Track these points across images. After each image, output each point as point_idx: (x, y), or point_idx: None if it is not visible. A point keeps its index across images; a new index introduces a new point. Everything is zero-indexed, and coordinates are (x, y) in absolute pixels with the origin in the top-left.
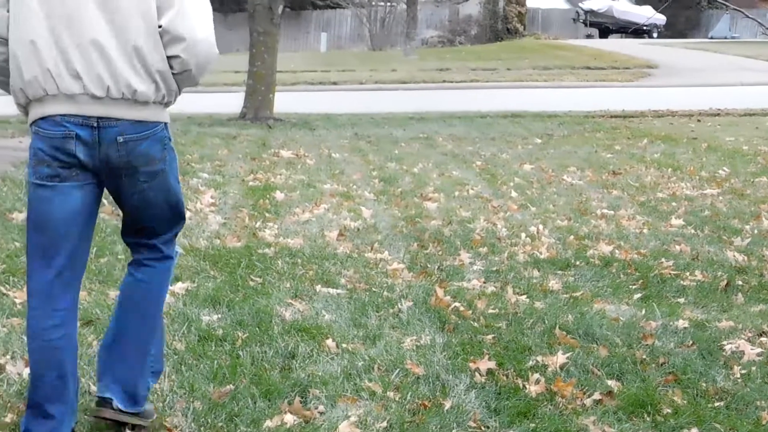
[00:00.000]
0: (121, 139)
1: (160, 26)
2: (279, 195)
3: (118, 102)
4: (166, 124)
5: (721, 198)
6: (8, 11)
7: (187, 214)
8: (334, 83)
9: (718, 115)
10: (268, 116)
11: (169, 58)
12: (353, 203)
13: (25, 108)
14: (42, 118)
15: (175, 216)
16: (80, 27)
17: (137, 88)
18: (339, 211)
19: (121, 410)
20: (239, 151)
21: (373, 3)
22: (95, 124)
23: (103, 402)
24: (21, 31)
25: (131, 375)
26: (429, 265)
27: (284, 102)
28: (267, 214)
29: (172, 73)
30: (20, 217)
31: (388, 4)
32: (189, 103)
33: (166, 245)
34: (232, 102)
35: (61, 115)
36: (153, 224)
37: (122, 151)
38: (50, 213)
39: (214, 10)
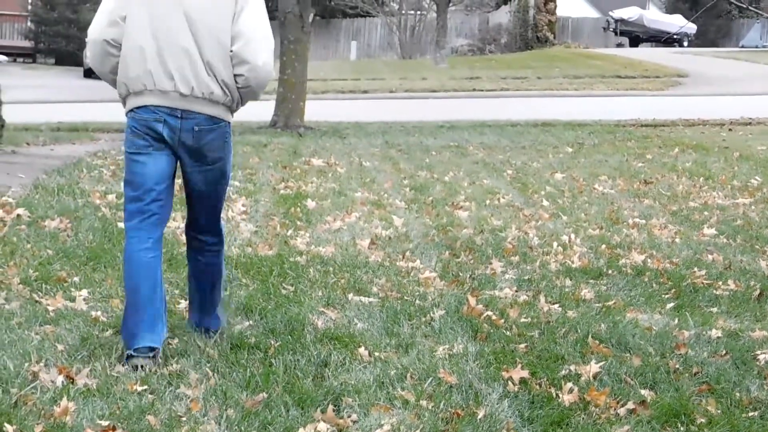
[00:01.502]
0: (197, 128)
1: (231, 50)
2: (310, 203)
3: (198, 99)
4: (228, 123)
5: (753, 207)
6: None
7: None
8: (365, 91)
9: (750, 124)
10: (298, 124)
11: (235, 75)
12: (384, 212)
13: (124, 99)
14: (140, 107)
15: (220, 204)
16: (177, 39)
17: (213, 90)
18: (370, 220)
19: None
20: (270, 159)
21: (403, 11)
22: (179, 115)
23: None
24: (133, 39)
25: (206, 317)
26: (461, 274)
27: (315, 110)
28: (298, 223)
29: (237, 87)
30: (52, 224)
31: (418, 12)
32: None
33: (217, 237)
34: (263, 110)
35: (155, 105)
36: (210, 202)
37: (196, 137)
38: (146, 173)
39: None
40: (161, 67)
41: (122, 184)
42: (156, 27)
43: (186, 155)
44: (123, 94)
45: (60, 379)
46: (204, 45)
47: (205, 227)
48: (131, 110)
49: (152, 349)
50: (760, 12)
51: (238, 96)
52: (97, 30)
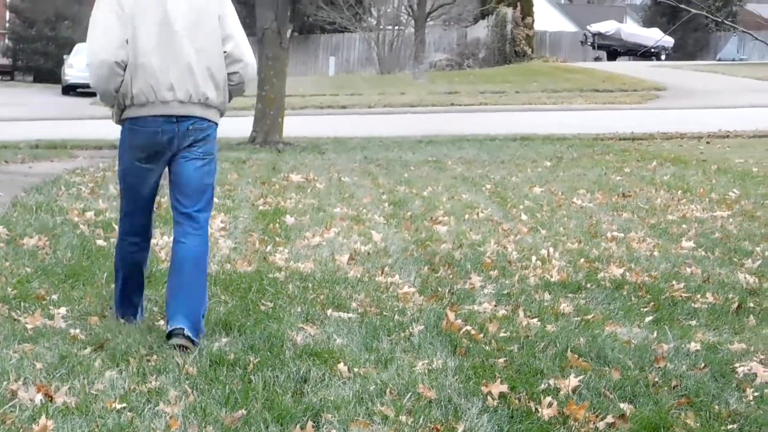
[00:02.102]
0: (191, 127)
1: (225, 52)
2: (289, 219)
3: (194, 104)
4: (217, 125)
5: (731, 220)
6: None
7: None
8: (343, 107)
9: (728, 137)
10: (277, 140)
11: (229, 74)
12: (363, 227)
13: (122, 110)
14: (138, 118)
15: (210, 195)
16: (179, 55)
17: (209, 95)
18: (349, 235)
19: (190, 338)
20: (249, 175)
21: (382, 27)
22: (176, 120)
23: (177, 330)
24: (136, 58)
25: (193, 312)
26: (440, 289)
27: (294, 126)
28: (277, 239)
29: (229, 84)
30: (31, 242)
31: (397, 27)
32: None
33: (204, 221)
34: (242, 126)
35: (153, 116)
36: (197, 195)
37: (191, 134)
38: (142, 186)
39: None
40: (163, 81)
41: (100, 201)
42: (155, 43)
43: (180, 155)
44: (121, 105)
45: (39, 398)
46: (204, 54)
47: (193, 215)
48: (129, 119)
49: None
50: (736, 26)
51: (228, 95)
52: (106, 52)
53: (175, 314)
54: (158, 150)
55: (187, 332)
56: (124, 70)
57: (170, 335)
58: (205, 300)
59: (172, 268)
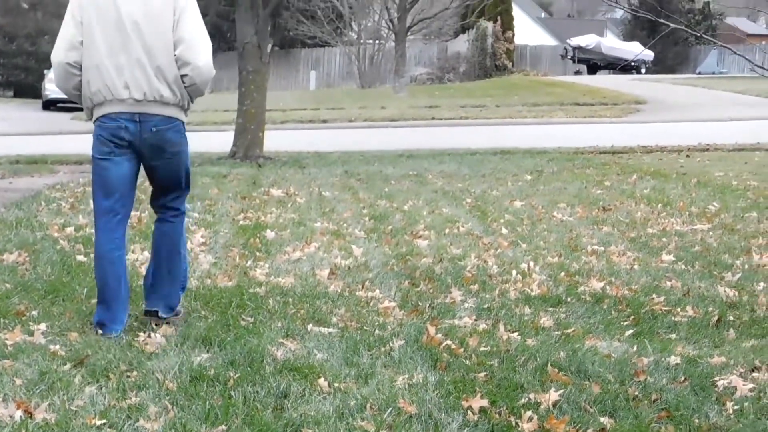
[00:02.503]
0: (155, 128)
1: (175, 55)
2: (270, 234)
3: (152, 103)
4: (183, 122)
5: (711, 233)
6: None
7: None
8: (324, 121)
9: (707, 150)
10: (258, 155)
11: (181, 75)
12: (344, 241)
13: (90, 110)
14: (103, 116)
15: (186, 183)
16: (128, 53)
17: (163, 93)
18: (330, 250)
19: (163, 317)
20: (229, 190)
21: (362, 41)
22: (138, 119)
23: (151, 313)
24: (90, 59)
25: (169, 293)
26: (420, 303)
27: (274, 140)
28: (258, 253)
29: (184, 86)
30: (11, 258)
31: (377, 41)
32: None
33: (180, 204)
34: (222, 140)
35: (115, 113)
36: (172, 185)
37: (155, 136)
38: (108, 177)
39: None
40: (118, 80)
41: (80, 216)
42: (110, 45)
43: (148, 152)
44: (89, 107)
45: (18, 414)
46: (152, 54)
47: (168, 204)
48: (97, 119)
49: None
50: (715, 41)
51: (186, 95)
52: (59, 54)
53: (150, 296)
54: (122, 145)
55: (161, 314)
56: (79, 69)
57: (146, 313)
58: (179, 280)
59: (152, 252)
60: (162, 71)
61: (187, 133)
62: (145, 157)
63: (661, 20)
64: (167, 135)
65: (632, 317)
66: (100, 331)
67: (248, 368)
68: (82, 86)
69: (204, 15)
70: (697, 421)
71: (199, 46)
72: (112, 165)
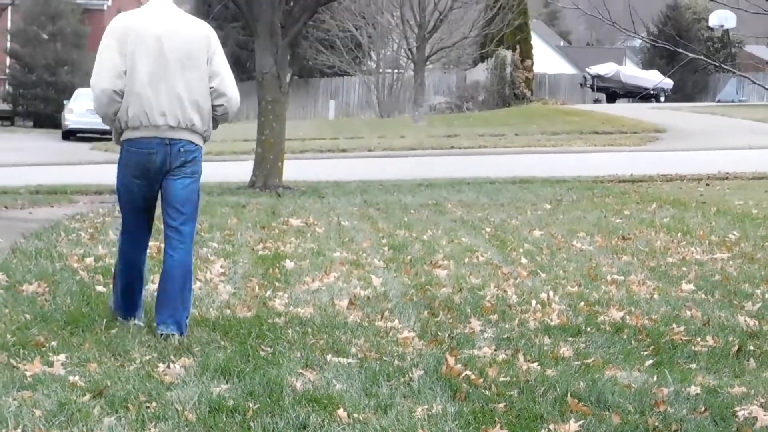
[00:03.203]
0: (182, 149)
1: (211, 87)
2: (289, 264)
3: (183, 129)
4: (202, 148)
5: (731, 262)
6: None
7: (197, 285)
8: (343, 150)
9: (727, 178)
10: (277, 184)
11: (215, 105)
12: (363, 271)
13: (121, 133)
14: (135, 139)
15: (195, 211)
16: (168, 84)
17: (195, 122)
18: (349, 280)
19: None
20: (249, 219)
21: (381, 70)
22: (168, 142)
23: (167, 336)
24: (132, 86)
25: (179, 314)
26: (440, 333)
27: (293, 170)
28: (277, 283)
29: (214, 115)
30: (30, 289)
31: (396, 71)
32: None
33: (189, 235)
34: (242, 170)
35: (148, 137)
36: (186, 205)
37: (181, 155)
38: (135, 198)
39: None
40: (156, 108)
41: (100, 246)
42: (151, 75)
43: (172, 173)
44: (119, 128)
45: None
46: (192, 88)
47: (182, 233)
48: (127, 140)
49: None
50: (734, 70)
51: (211, 125)
52: (105, 82)
53: (163, 318)
54: (150, 168)
55: (173, 332)
56: (122, 96)
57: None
58: (189, 305)
59: (162, 277)
60: (197, 103)
61: (206, 163)
62: (169, 175)
63: (680, 50)
64: (191, 156)
65: (652, 347)
66: (129, 321)
67: (267, 399)
68: (119, 112)
69: (223, 45)
70: None
71: (230, 80)
72: (139, 186)
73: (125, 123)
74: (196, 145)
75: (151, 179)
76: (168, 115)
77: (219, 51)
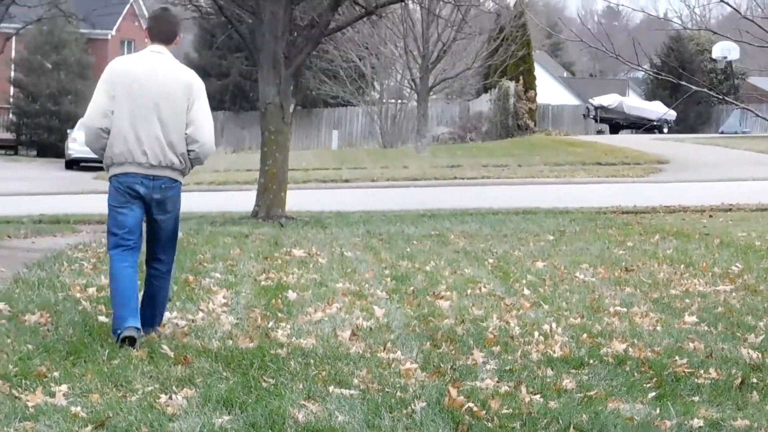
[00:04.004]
0: (163, 186)
1: (186, 133)
2: (291, 294)
3: (164, 168)
4: (181, 183)
5: (734, 294)
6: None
7: (200, 315)
8: (346, 180)
9: (730, 210)
10: (280, 214)
11: (188, 150)
12: (366, 302)
13: (109, 166)
14: (122, 173)
15: (174, 241)
16: (149, 129)
17: (173, 161)
18: (351, 311)
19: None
20: (252, 250)
21: (384, 100)
22: (152, 178)
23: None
24: (117, 127)
25: (156, 319)
26: (442, 365)
27: (296, 200)
28: (279, 314)
29: (189, 158)
30: (33, 319)
31: (399, 101)
32: (202, 201)
33: (168, 267)
34: (244, 200)
35: (132, 173)
36: (165, 238)
37: (163, 192)
38: (124, 220)
39: (227, 109)
40: (138, 148)
41: (102, 276)
42: (135, 119)
43: (154, 205)
44: (108, 164)
45: None
46: (168, 131)
47: (162, 259)
48: (115, 175)
49: (137, 328)
50: (736, 103)
51: (189, 163)
52: (93, 119)
53: (145, 321)
54: (134, 197)
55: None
56: (107, 133)
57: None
58: (163, 309)
59: (144, 296)
60: (173, 145)
61: (209, 193)
62: (151, 209)
63: (683, 82)
64: (171, 193)
65: (655, 379)
66: (120, 332)
67: (269, 430)
68: (107, 147)
69: (227, 75)
70: None
71: (205, 129)
72: (126, 211)
73: (111, 159)
74: (176, 181)
75: (134, 206)
76: (149, 155)
77: (200, 99)
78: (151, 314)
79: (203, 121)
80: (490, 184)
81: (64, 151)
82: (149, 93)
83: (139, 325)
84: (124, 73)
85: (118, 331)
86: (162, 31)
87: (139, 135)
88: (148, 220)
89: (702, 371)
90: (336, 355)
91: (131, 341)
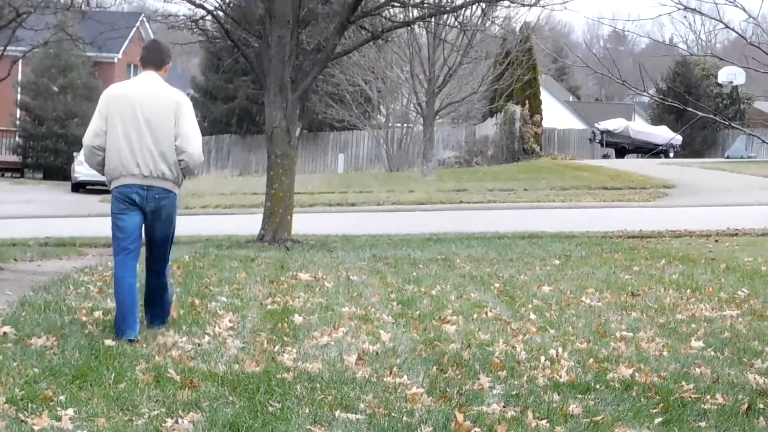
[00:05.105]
0: (157, 196)
1: (175, 144)
2: (298, 318)
3: (156, 178)
4: (176, 194)
5: (740, 319)
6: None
7: (206, 338)
8: (352, 204)
9: (736, 235)
10: (286, 238)
11: (178, 160)
12: (372, 326)
13: (110, 181)
14: (120, 185)
15: (169, 245)
16: (140, 141)
17: (164, 172)
18: (358, 335)
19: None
20: (258, 273)
21: (390, 124)
22: (145, 189)
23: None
24: (111, 144)
25: (161, 314)
26: (448, 390)
27: (302, 223)
28: (286, 338)
29: (180, 167)
30: (39, 342)
31: (405, 125)
32: (208, 224)
33: (164, 270)
34: (251, 223)
35: (127, 184)
36: (162, 243)
37: (157, 202)
38: (124, 225)
39: (234, 132)
40: (132, 160)
41: (109, 300)
42: (126, 134)
43: (149, 214)
44: (108, 179)
45: None
46: (158, 143)
47: (158, 261)
48: (115, 187)
49: (131, 341)
50: (743, 129)
51: (180, 173)
52: (87, 139)
53: (149, 318)
54: (132, 204)
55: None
56: (101, 150)
57: (148, 326)
58: (166, 305)
59: (146, 294)
60: (165, 156)
61: (215, 216)
62: (147, 217)
63: (689, 108)
64: (164, 202)
65: (661, 404)
66: (122, 337)
67: None
68: (105, 163)
69: (233, 98)
70: None
71: (192, 140)
72: (126, 217)
73: (110, 174)
74: (169, 191)
75: (133, 213)
76: (141, 166)
77: (186, 114)
78: (151, 311)
79: (191, 133)
80: (496, 208)
81: (71, 174)
82: (140, 111)
83: (134, 336)
84: (119, 96)
85: (120, 336)
86: (152, 59)
87: (133, 148)
88: (146, 227)
89: (709, 396)
90: (342, 380)
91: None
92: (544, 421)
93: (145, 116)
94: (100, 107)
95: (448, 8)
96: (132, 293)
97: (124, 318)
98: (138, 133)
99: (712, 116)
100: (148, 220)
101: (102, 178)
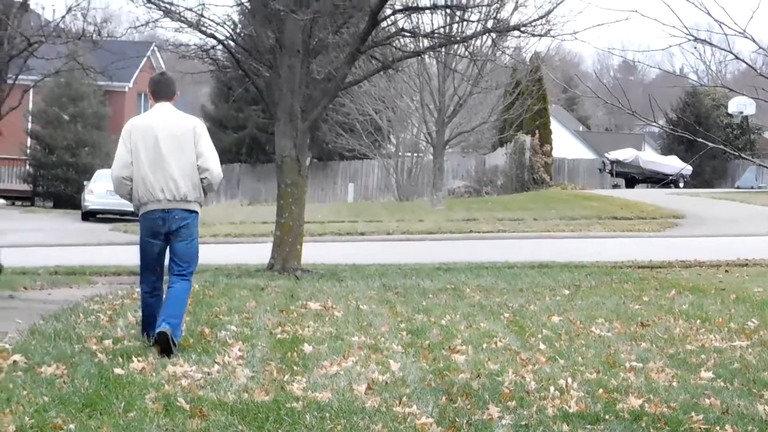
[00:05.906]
0: (178, 217)
1: (198, 165)
2: (307, 348)
3: (179, 201)
4: (197, 213)
5: (750, 350)
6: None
7: (216, 367)
8: (362, 233)
9: (746, 265)
10: (295, 267)
11: (201, 178)
12: (381, 356)
13: (138, 207)
14: (147, 212)
15: (195, 259)
16: (165, 170)
17: (187, 195)
18: (367, 364)
19: (173, 340)
20: (267, 302)
21: (400, 153)
22: (168, 211)
23: (164, 333)
24: (138, 173)
25: (173, 320)
26: (458, 420)
27: (312, 252)
28: (295, 368)
29: (202, 185)
30: (49, 371)
31: (415, 154)
32: (218, 253)
33: (189, 275)
34: (260, 252)
35: (152, 210)
36: (186, 258)
37: (178, 222)
38: (151, 250)
39: (243, 161)
40: (157, 187)
41: (119, 329)
42: (151, 164)
43: (172, 234)
44: (136, 205)
45: None
46: (181, 169)
47: (182, 269)
48: (142, 214)
49: (161, 334)
50: (753, 160)
51: (203, 194)
52: (115, 170)
53: (161, 320)
54: (158, 230)
55: (169, 333)
56: (130, 181)
57: (160, 334)
58: (181, 317)
59: (166, 297)
60: (190, 177)
61: (225, 245)
62: (169, 237)
63: (699, 138)
64: (184, 222)
65: None
66: (151, 332)
67: None
68: (133, 191)
69: (243, 127)
70: None
71: (211, 158)
72: (152, 239)
73: (138, 200)
74: (190, 212)
75: (159, 237)
76: (165, 192)
77: (203, 137)
78: (167, 316)
79: (209, 153)
80: (505, 237)
81: (81, 203)
82: (162, 140)
83: (165, 328)
84: (139, 128)
85: (146, 337)
86: (163, 91)
87: (157, 176)
88: (171, 248)
89: (718, 428)
90: (351, 409)
91: (162, 335)
92: None
93: (167, 144)
94: (124, 139)
95: (458, 38)
96: (157, 308)
97: (149, 325)
98: (162, 162)
99: (722, 146)
100: (170, 239)
101: (114, 207)
